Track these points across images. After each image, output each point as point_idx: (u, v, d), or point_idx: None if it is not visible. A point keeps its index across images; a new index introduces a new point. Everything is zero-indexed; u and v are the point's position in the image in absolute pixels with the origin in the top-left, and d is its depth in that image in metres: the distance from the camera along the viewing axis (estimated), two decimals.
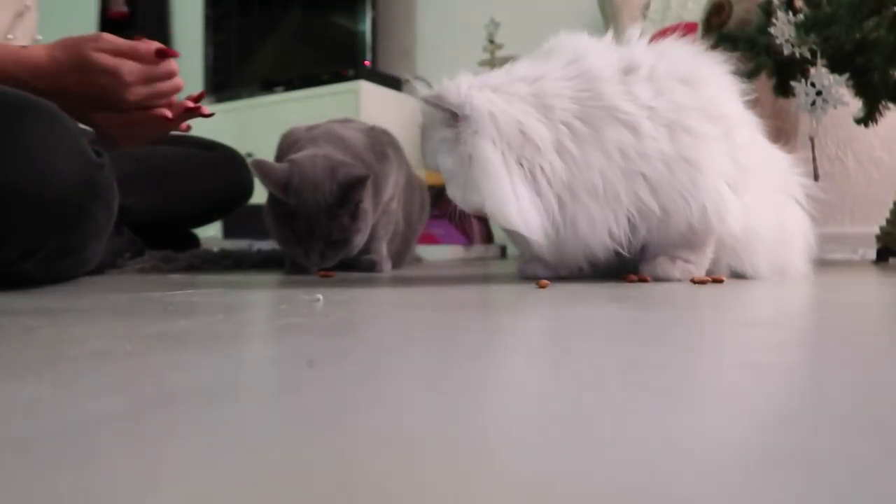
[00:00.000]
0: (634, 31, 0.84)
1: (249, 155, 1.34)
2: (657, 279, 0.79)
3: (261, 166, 0.89)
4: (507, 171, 0.73)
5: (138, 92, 0.77)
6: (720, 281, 0.78)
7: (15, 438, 0.17)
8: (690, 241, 0.80)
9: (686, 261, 0.81)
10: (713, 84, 0.79)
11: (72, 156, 0.63)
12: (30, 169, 0.60)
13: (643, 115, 0.75)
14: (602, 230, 0.75)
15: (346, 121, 1.14)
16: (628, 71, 0.78)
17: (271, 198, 0.91)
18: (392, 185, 1.05)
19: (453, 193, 0.77)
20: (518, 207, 0.73)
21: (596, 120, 0.75)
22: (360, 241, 0.95)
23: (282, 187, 0.88)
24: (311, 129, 1.06)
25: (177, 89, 0.81)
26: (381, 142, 1.07)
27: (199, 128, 0.97)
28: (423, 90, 0.78)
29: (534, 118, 0.75)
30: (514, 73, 0.80)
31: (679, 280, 0.79)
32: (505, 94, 0.76)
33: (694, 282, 0.77)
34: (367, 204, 0.94)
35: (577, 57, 0.79)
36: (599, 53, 0.80)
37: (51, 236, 0.63)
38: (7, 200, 0.59)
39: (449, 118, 0.76)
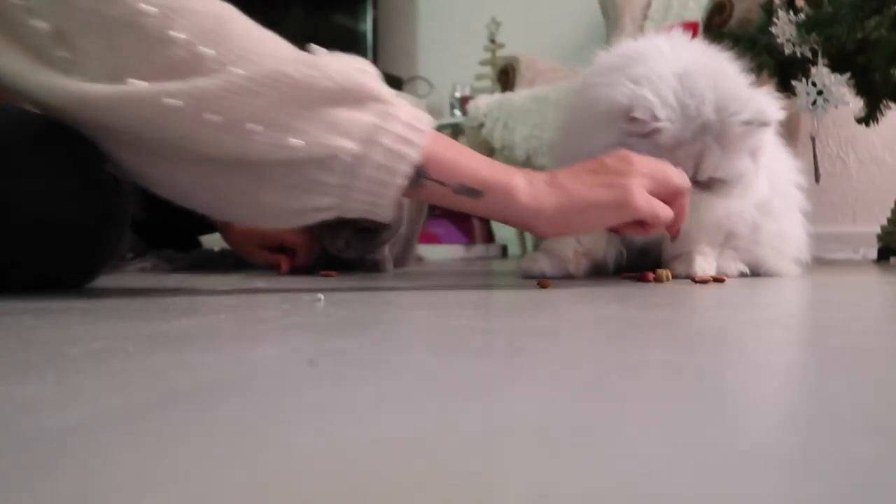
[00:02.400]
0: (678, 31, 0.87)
1: None
2: (681, 276, 0.81)
3: None
4: None
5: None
6: (721, 280, 0.78)
7: (15, 438, 0.17)
8: (713, 235, 0.83)
9: (706, 255, 0.83)
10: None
11: (89, 183, 0.60)
12: (45, 196, 0.58)
13: None
14: None
15: None
16: None
17: None
18: None
19: None
20: None
21: None
22: (387, 236, 0.93)
23: None
24: None
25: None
26: None
27: None
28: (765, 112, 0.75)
29: None
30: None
31: (700, 277, 0.79)
32: None
33: (695, 281, 0.77)
34: None
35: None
36: None
37: (64, 264, 0.61)
38: (21, 227, 0.58)
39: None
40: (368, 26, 2.85)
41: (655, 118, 0.73)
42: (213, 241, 1.26)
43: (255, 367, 0.27)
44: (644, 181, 0.62)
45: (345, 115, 0.54)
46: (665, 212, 0.62)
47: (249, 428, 0.18)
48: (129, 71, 0.51)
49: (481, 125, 2.01)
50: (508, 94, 2.09)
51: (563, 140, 0.93)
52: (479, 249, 2.20)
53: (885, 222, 1.46)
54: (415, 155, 0.56)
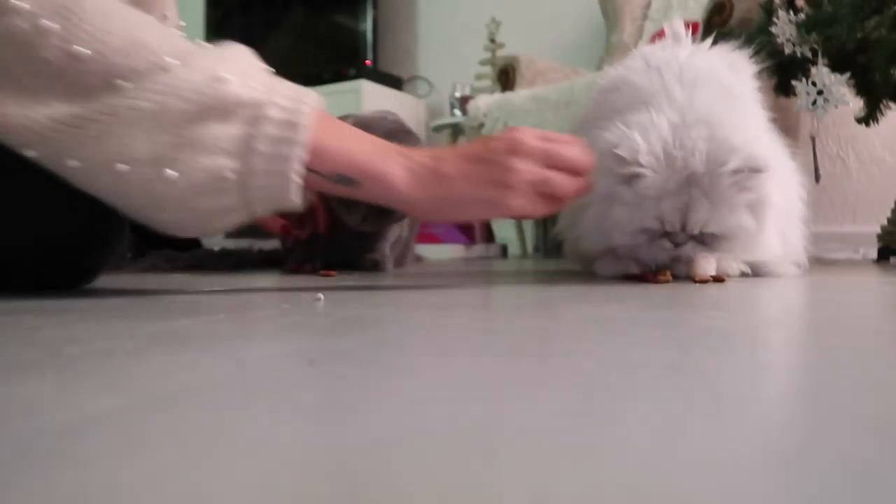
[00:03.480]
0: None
1: None
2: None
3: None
4: None
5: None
6: (721, 280, 0.78)
7: (15, 438, 0.17)
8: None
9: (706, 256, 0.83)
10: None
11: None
12: (41, 196, 0.58)
13: None
14: None
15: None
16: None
17: None
18: None
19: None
20: None
21: None
22: (401, 215, 0.95)
23: None
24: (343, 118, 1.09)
25: None
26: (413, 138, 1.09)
27: None
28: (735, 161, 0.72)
29: None
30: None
31: (701, 277, 0.78)
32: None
33: (696, 281, 0.77)
34: None
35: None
36: None
37: (63, 264, 0.62)
38: (18, 227, 0.58)
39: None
40: (368, 26, 2.84)
41: (638, 162, 0.73)
42: (213, 241, 1.26)
43: (255, 367, 0.27)
44: (531, 171, 0.61)
45: (212, 131, 0.52)
46: (538, 209, 0.63)
47: (249, 428, 0.18)
48: None
49: (481, 125, 2.01)
50: (508, 94, 2.09)
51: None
52: (479, 249, 2.20)
53: (885, 222, 1.46)
54: (299, 152, 0.54)
